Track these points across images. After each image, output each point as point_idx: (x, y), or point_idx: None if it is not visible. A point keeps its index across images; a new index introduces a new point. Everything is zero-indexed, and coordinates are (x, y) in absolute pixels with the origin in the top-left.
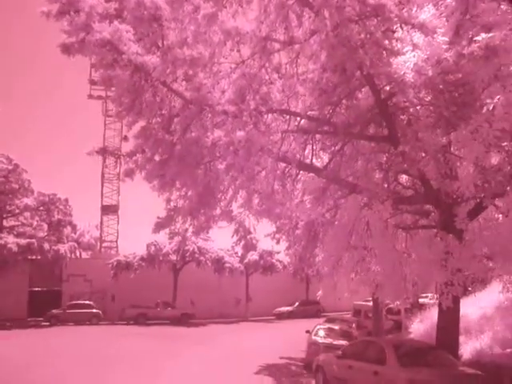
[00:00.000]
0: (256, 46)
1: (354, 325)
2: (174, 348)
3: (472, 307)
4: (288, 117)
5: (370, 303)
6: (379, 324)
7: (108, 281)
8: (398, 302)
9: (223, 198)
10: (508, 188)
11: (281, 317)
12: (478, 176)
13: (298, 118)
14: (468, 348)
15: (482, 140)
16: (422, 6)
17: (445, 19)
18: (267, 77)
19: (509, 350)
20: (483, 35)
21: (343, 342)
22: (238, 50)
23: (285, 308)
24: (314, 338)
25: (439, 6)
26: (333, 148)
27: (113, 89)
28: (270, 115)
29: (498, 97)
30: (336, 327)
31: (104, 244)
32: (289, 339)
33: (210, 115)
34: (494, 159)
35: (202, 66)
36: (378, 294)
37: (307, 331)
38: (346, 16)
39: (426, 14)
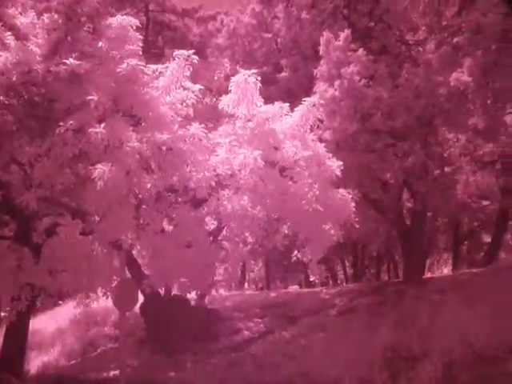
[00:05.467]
0: None
1: None
2: None
3: (50, 321)
4: None
5: None
6: None
7: None
8: None
9: None
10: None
11: None
12: (39, 192)
13: None
14: (37, 362)
15: (55, 159)
16: (24, 10)
17: (46, 32)
18: None
19: (73, 362)
20: (72, 60)
21: None
22: None
23: None
24: None
25: (45, 18)
26: None
27: None
28: None
29: (71, 122)
30: None
31: None
32: None
33: None
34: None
35: None
36: None
37: None
38: None
39: (27, 19)
